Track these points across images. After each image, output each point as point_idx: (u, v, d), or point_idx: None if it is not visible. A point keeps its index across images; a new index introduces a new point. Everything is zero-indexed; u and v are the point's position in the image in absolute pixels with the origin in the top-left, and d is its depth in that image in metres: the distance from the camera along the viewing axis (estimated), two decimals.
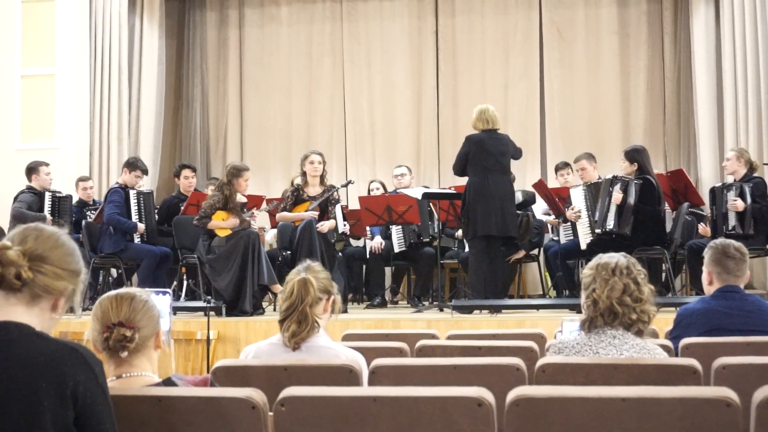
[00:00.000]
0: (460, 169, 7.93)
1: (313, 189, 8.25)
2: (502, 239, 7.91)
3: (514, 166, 8.22)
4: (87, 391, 2.00)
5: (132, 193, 8.70)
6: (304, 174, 8.27)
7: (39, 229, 2.15)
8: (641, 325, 3.24)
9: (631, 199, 7.57)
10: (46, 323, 2.12)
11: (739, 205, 7.76)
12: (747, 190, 7.81)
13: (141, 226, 8.62)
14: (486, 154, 7.72)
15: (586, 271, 3.33)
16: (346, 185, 8.92)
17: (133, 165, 8.85)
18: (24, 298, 2.07)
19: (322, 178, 8.28)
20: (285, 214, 8.23)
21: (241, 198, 8.09)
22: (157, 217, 9.07)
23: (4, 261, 2.03)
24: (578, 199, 8.17)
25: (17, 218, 8.66)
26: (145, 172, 9.00)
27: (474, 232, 7.74)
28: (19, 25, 10.43)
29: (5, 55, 10.40)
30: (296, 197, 8.24)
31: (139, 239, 8.67)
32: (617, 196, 7.61)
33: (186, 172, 9.54)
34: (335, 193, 8.29)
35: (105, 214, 8.66)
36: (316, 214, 8.07)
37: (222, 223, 7.91)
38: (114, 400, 2.16)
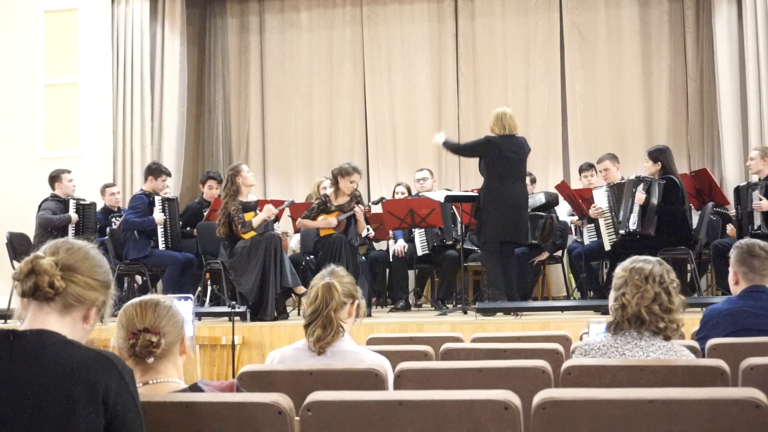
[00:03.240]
0: (467, 152, 8.19)
1: (342, 199, 8.25)
2: (516, 243, 7.92)
3: (537, 169, 8.19)
4: (118, 399, 2.02)
5: (157, 200, 8.77)
6: (336, 184, 8.25)
7: (69, 242, 2.21)
8: (669, 332, 3.21)
9: (655, 200, 7.53)
10: (78, 333, 2.15)
11: (764, 205, 7.71)
12: None
13: (159, 217, 8.64)
14: (504, 161, 7.72)
15: (619, 272, 3.31)
16: (377, 203, 8.91)
17: (157, 171, 8.92)
18: (56, 307, 2.10)
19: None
20: (307, 221, 8.25)
21: (251, 198, 8.14)
22: (180, 223, 9.12)
23: (38, 270, 2.07)
24: (601, 199, 8.15)
25: (43, 225, 8.75)
26: (169, 174, 9.09)
27: (486, 237, 7.76)
28: (43, 35, 10.53)
29: (29, 64, 10.50)
30: (323, 208, 8.24)
31: (163, 242, 8.71)
32: (640, 196, 7.58)
33: (211, 182, 9.58)
34: (362, 204, 8.32)
35: (122, 219, 8.75)
36: (335, 223, 8.08)
37: (320, 223, 8.13)
38: (142, 406, 2.18)
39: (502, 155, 7.71)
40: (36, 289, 2.07)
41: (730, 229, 8.45)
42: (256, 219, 7.91)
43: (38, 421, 1.96)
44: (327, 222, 8.10)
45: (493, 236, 7.71)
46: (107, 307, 2.24)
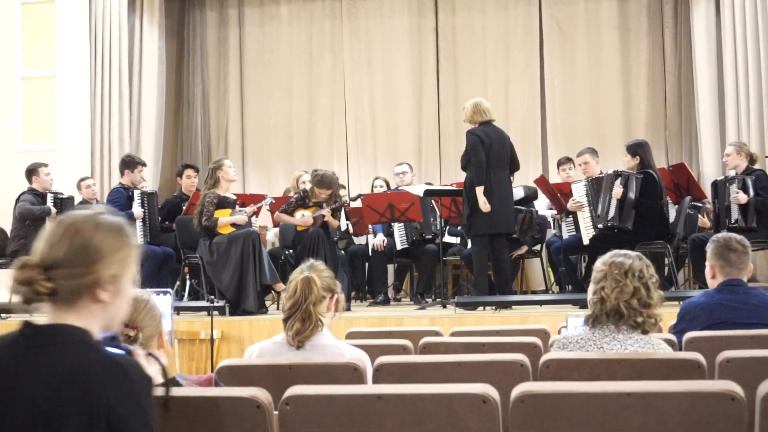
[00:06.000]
0: (477, 160, 7.58)
1: (320, 196, 8.20)
2: (505, 234, 7.89)
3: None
4: (121, 409, 1.86)
5: (136, 194, 8.74)
6: (313, 187, 8.20)
7: (57, 226, 1.98)
8: (647, 327, 3.23)
9: (632, 194, 7.56)
10: (98, 318, 1.99)
11: (742, 198, 7.77)
12: (749, 183, 7.82)
13: (138, 211, 8.61)
14: (488, 149, 7.67)
15: (599, 266, 3.32)
16: (354, 199, 8.90)
17: (131, 163, 8.91)
18: (63, 303, 1.95)
19: None
20: (284, 216, 8.22)
21: (230, 196, 8.10)
22: (159, 217, 9.09)
23: (21, 280, 1.93)
24: (580, 193, 8.18)
25: (23, 216, 8.68)
26: (144, 164, 9.10)
27: (476, 230, 7.72)
28: (19, 27, 10.43)
29: (6, 57, 10.40)
30: (302, 203, 8.20)
31: (142, 236, 8.67)
32: (617, 190, 7.61)
33: (189, 172, 9.55)
34: (341, 201, 8.30)
35: None
36: (311, 221, 8.04)
37: (295, 220, 8.12)
38: None
39: (490, 143, 7.67)
40: (28, 300, 1.94)
41: (701, 220, 8.52)
42: (224, 219, 7.87)
43: (35, 421, 1.85)
44: (303, 220, 8.07)
45: (484, 229, 7.68)
46: (125, 273, 2.00)
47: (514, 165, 7.96)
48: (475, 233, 7.78)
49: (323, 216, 8.08)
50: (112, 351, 1.93)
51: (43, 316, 1.99)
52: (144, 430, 1.89)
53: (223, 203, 7.91)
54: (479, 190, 7.57)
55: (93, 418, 1.83)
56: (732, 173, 8.21)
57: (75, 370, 1.87)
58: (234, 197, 8.19)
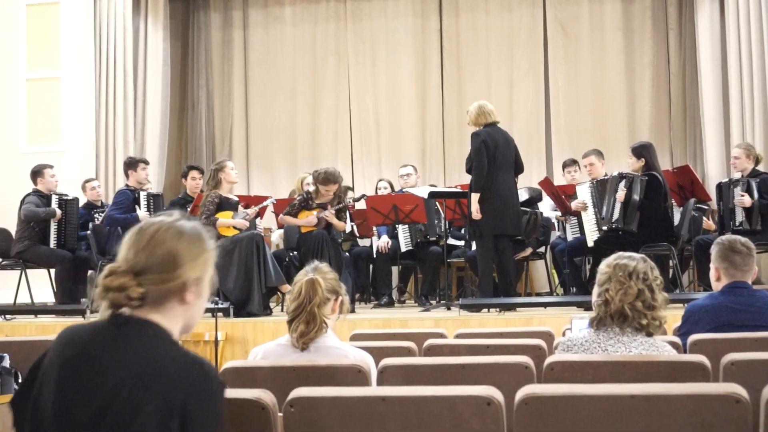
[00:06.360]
0: (485, 162, 7.55)
1: (324, 197, 8.19)
2: (509, 236, 7.88)
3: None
4: (196, 408, 1.92)
5: (142, 195, 8.76)
6: (317, 188, 8.19)
7: (141, 234, 2.08)
8: (651, 329, 3.23)
9: (636, 196, 7.55)
10: (180, 318, 2.09)
11: (746, 201, 7.76)
12: (754, 185, 7.81)
13: (144, 214, 8.61)
14: (494, 151, 7.66)
15: (603, 268, 3.32)
16: (358, 200, 8.90)
17: (133, 163, 8.95)
18: (151, 305, 2.04)
19: None
20: (288, 218, 8.22)
21: (233, 197, 8.11)
22: None
23: (112, 288, 2.00)
24: (585, 195, 8.18)
25: (28, 218, 8.70)
26: (146, 162, 9.14)
27: (481, 231, 7.71)
28: (24, 29, 10.45)
29: (11, 58, 10.42)
30: (305, 205, 8.20)
31: None
32: (621, 193, 7.61)
33: (193, 173, 9.55)
34: (346, 204, 8.29)
35: (105, 215, 8.71)
36: (315, 221, 8.04)
37: (301, 221, 8.09)
38: None
39: (495, 144, 7.66)
40: (119, 306, 2.01)
41: (706, 222, 8.50)
42: (224, 221, 7.87)
43: (112, 408, 1.90)
44: (307, 220, 8.07)
45: (489, 230, 7.67)
46: (205, 276, 2.12)
47: (518, 167, 7.95)
48: (480, 235, 7.77)
49: (327, 217, 8.08)
50: (192, 352, 2.03)
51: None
52: (215, 430, 1.97)
53: (224, 204, 7.92)
54: (474, 198, 7.57)
55: (169, 412, 1.90)
56: (737, 175, 8.20)
57: (158, 364, 1.95)
58: (236, 199, 8.19)
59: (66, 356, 2.02)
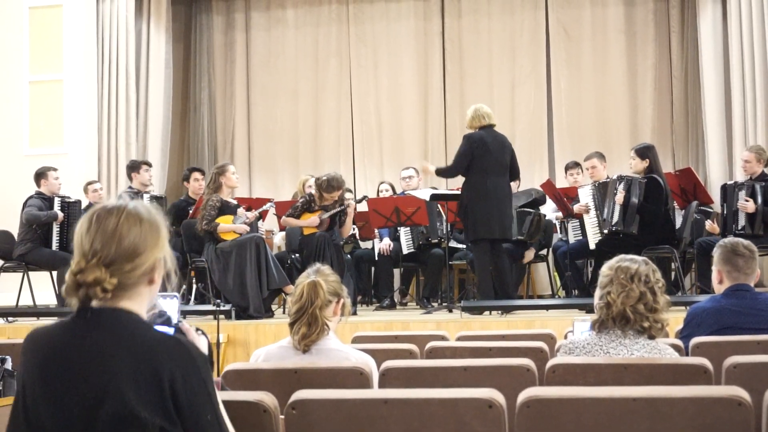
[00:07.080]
0: (463, 168, 7.77)
1: (326, 200, 8.18)
2: (504, 240, 7.90)
3: (522, 166, 8.17)
4: (185, 381, 1.99)
5: (146, 198, 8.77)
6: (320, 191, 8.17)
7: (101, 224, 2.09)
8: (654, 332, 3.23)
9: (635, 198, 7.55)
10: (146, 299, 2.14)
11: (750, 207, 7.73)
12: (759, 190, 7.77)
13: None
14: (487, 154, 7.66)
15: (605, 270, 3.32)
16: (360, 201, 8.89)
17: (135, 166, 8.99)
18: (120, 293, 2.07)
19: None
20: (291, 220, 8.22)
21: (232, 201, 8.11)
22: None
23: (87, 283, 2.01)
24: (587, 197, 8.17)
25: (29, 221, 8.70)
26: (148, 164, 9.16)
27: (475, 235, 7.73)
28: (27, 32, 10.46)
29: (13, 61, 10.43)
30: (307, 207, 8.19)
31: None
32: (619, 196, 7.60)
33: (196, 175, 9.58)
34: (347, 206, 8.25)
35: None
36: (317, 222, 8.03)
37: (303, 222, 8.08)
38: None
39: (486, 148, 7.67)
40: (95, 297, 2.03)
41: (709, 225, 8.49)
42: (225, 226, 7.87)
43: (100, 393, 1.94)
44: (309, 221, 8.07)
45: (482, 235, 7.68)
46: (167, 259, 2.16)
47: (513, 172, 7.94)
48: (472, 238, 7.79)
49: (329, 218, 8.07)
50: (165, 329, 2.14)
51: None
52: (207, 399, 2.02)
53: (224, 208, 7.92)
54: (436, 173, 8.12)
55: (160, 389, 1.96)
56: (741, 178, 8.18)
57: (142, 347, 2.00)
58: (235, 202, 8.19)
59: (44, 360, 2.05)
